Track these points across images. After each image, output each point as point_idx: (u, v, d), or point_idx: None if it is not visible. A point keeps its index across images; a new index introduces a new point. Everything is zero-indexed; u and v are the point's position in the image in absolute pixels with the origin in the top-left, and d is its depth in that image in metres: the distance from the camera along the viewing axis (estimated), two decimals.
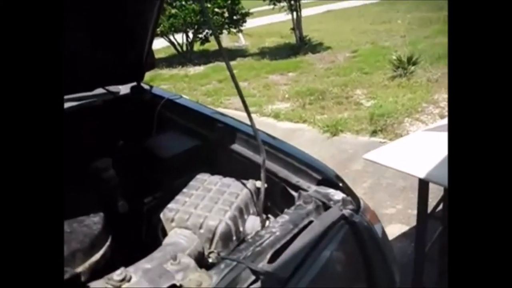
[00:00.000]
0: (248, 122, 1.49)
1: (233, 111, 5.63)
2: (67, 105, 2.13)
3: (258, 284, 1.07)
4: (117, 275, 1.09)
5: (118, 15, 1.79)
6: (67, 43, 1.70)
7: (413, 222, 3.01)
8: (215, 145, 1.79)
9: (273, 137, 1.70)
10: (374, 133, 4.72)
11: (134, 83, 2.21)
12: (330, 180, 1.43)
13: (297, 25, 10.03)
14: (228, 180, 1.52)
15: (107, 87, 2.20)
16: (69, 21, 1.58)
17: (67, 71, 1.83)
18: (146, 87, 2.23)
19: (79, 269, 1.22)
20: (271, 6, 10.18)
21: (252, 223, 1.40)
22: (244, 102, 1.46)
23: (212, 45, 10.95)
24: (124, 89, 2.33)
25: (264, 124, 5.20)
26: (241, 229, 1.38)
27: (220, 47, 1.52)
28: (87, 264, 1.25)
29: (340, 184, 1.41)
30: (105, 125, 2.11)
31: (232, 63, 8.89)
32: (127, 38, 1.90)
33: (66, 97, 2.11)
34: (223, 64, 9.20)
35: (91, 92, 2.16)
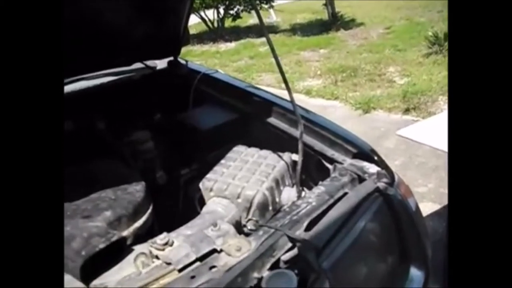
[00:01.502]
0: (284, 96, 1.51)
1: (265, 87, 5.63)
2: (107, 79, 2.19)
3: (295, 251, 1.11)
4: (160, 239, 1.14)
5: None
6: (108, 19, 1.76)
7: (445, 201, 3.00)
8: (251, 118, 1.82)
9: (308, 111, 1.72)
10: (407, 111, 4.65)
11: (171, 58, 2.25)
12: (365, 153, 1.45)
13: (329, 0, 9.86)
14: (265, 152, 1.56)
15: (145, 62, 2.25)
16: None
17: (108, 46, 1.90)
18: (182, 61, 2.27)
19: (124, 233, 1.28)
20: None
21: (288, 194, 1.44)
22: (283, 75, 1.48)
23: (243, 22, 10.90)
24: (160, 63, 2.37)
25: (296, 100, 5.14)
26: (277, 199, 1.42)
27: (260, 21, 1.53)
28: (131, 228, 1.32)
29: (375, 158, 1.43)
30: (143, 99, 2.17)
31: (263, 39, 8.84)
32: (166, 13, 1.93)
33: (106, 71, 2.18)
34: (254, 40, 9.18)
35: (130, 67, 2.22)
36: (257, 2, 10.17)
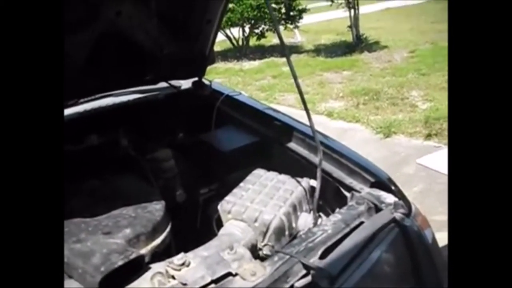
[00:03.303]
0: (304, 121, 1.54)
1: (286, 108, 5.67)
2: (132, 97, 2.25)
3: (309, 278, 1.12)
4: (177, 259, 1.17)
5: (186, 11, 1.88)
6: (138, 38, 1.82)
7: None
8: (272, 142, 1.85)
9: (328, 137, 1.74)
10: (428, 136, 4.62)
11: (196, 78, 2.30)
12: (383, 183, 1.46)
13: (354, 22, 9.90)
14: (284, 177, 1.58)
15: (170, 81, 2.30)
16: (138, 15, 1.69)
17: (136, 65, 1.96)
18: (206, 82, 2.31)
19: (142, 251, 1.31)
20: (329, 3, 10.11)
21: (305, 220, 1.45)
22: (304, 102, 1.51)
23: (267, 41, 11.00)
24: (185, 83, 2.42)
25: (317, 122, 5.14)
26: (293, 225, 1.44)
27: (282, 43, 1.58)
28: (149, 247, 1.35)
29: (393, 188, 1.44)
30: (167, 118, 2.22)
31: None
32: (194, 34, 1.99)
33: (130, 89, 2.24)
34: (278, 59, 9.25)
35: (155, 86, 2.27)
36: (282, 22, 10.26)
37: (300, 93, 1.49)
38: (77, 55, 1.71)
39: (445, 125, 4.73)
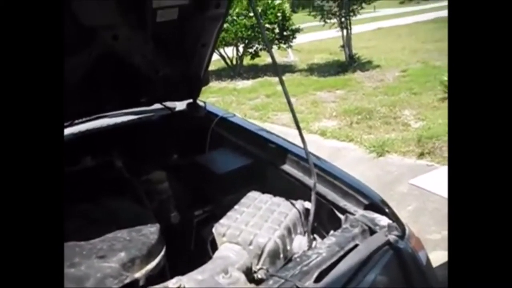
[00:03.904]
0: (297, 141, 1.55)
1: (280, 127, 5.70)
2: (127, 118, 2.26)
3: None
4: (172, 283, 1.17)
5: (182, 35, 1.90)
6: (134, 60, 1.84)
7: None
8: (266, 165, 1.86)
9: (322, 159, 1.75)
10: (421, 155, 4.65)
11: (190, 100, 2.32)
12: (377, 205, 1.47)
13: (347, 42, 10.02)
14: (278, 200, 1.59)
15: (164, 103, 2.32)
16: (134, 39, 1.72)
17: (131, 86, 1.98)
18: (201, 104, 2.33)
19: (137, 275, 1.31)
20: (322, 23, 10.25)
21: (299, 242, 1.46)
22: (298, 126, 1.53)
23: (261, 60, 11.10)
24: (179, 104, 2.44)
25: (310, 141, 5.16)
26: (288, 248, 1.44)
27: (274, 63, 1.61)
28: (143, 270, 1.34)
29: (386, 210, 1.45)
30: (161, 139, 2.23)
31: None
32: (189, 57, 2.01)
33: (125, 111, 2.26)
34: (271, 79, 9.32)
35: (150, 107, 2.29)
36: (276, 41, 10.36)
37: (294, 116, 1.51)
38: (73, 77, 1.73)
39: (438, 144, 4.77)
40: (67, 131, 2.06)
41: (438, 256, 2.99)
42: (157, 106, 2.31)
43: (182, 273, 1.26)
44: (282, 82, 1.57)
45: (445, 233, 3.29)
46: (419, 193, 3.81)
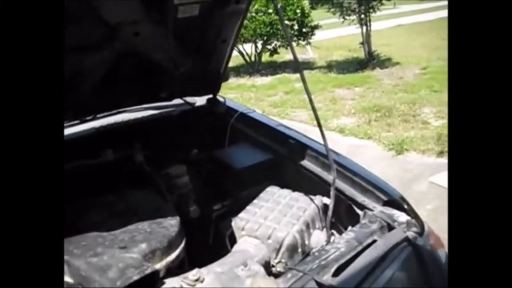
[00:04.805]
0: (316, 137, 1.56)
1: (298, 124, 5.70)
2: (148, 113, 2.30)
3: None
4: (192, 275, 1.19)
5: (202, 31, 1.92)
6: (156, 56, 1.87)
7: None
8: (285, 160, 1.87)
9: (341, 155, 1.76)
10: (441, 154, 4.60)
11: (210, 95, 2.34)
12: (396, 201, 1.47)
13: (366, 39, 9.94)
14: (297, 195, 1.60)
15: (185, 98, 2.34)
16: (155, 35, 1.74)
17: (152, 81, 2.00)
18: (221, 99, 2.35)
19: (157, 266, 1.33)
20: (341, 19, 10.18)
21: (317, 237, 1.47)
22: (318, 121, 1.54)
23: (280, 57, 11.07)
24: (199, 100, 2.46)
25: (329, 139, 5.11)
26: (306, 242, 1.45)
27: (296, 60, 1.61)
28: (164, 262, 1.37)
29: (405, 206, 1.45)
30: (181, 134, 2.26)
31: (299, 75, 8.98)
32: (210, 53, 2.03)
33: (146, 106, 2.29)
34: (290, 75, 9.31)
35: (170, 102, 2.32)
36: (295, 38, 10.33)
37: (315, 112, 1.52)
38: (96, 73, 1.76)
39: None
40: (90, 125, 2.10)
41: None
42: (177, 101, 2.34)
43: (201, 266, 1.28)
44: (303, 79, 1.58)
45: None
46: (438, 192, 3.77)
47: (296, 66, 1.48)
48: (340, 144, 4.97)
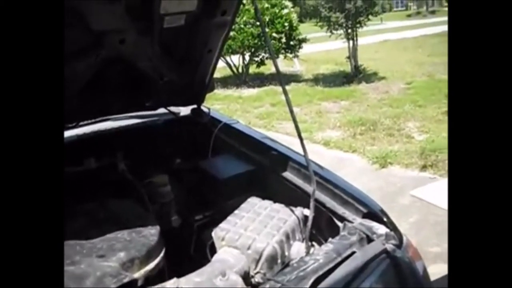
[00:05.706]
0: (299, 150, 1.57)
1: (284, 136, 5.72)
2: (131, 121, 2.29)
3: None
4: (170, 284, 1.19)
5: (188, 40, 1.93)
6: (141, 65, 1.87)
7: None
8: (267, 171, 1.88)
9: (323, 168, 1.77)
10: (424, 168, 4.66)
11: (195, 105, 2.34)
12: (375, 214, 1.48)
13: (353, 53, 10.07)
14: (278, 206, 1.60)
15: (169, 108, 2.34)
16: (141, 43, 1.74)
17: (137, 91, 2.00)
18: (205, 110, 2.35)
19: (136, 275, 1.33)
20: (328, 33, 10.30)
21: (297, 248, 1.47)
22: (299, 133, 1.55)
23: (267, 68, 11.15)
24: (183, 109, 2.46)
25: (314, 151, 5.22)
26: (286, 253, 1.45)
27: (278, 72, 1.63)
28: (142, 271, 1.36)
29: (385, 219, 1.47)
30: (164, 144, 2.25)
31: (286, 88, 9.03)
32: (195, 63, 2.03)
33: (130, 114, 2.28)
34: (277, 87, 9.36)
35: (154, 111, 2.31)
36: (282, 51, 10.41)
37: (295, 124, 1.53)
38: (80, 79, 1.76)
39: (441, 157, 4.77)
40: (73, 132, 2.09)
41: (437, 268, 2.99)
42: (161, 110, 2.34)
43: (181, 275, 1.28)
44: (285, 91, 1.59)
45: (445, 246, 3.28)
46: (421, 205, 3.82)
47: (278, 78, 1.50)
48: (325, 157, 5.00)
